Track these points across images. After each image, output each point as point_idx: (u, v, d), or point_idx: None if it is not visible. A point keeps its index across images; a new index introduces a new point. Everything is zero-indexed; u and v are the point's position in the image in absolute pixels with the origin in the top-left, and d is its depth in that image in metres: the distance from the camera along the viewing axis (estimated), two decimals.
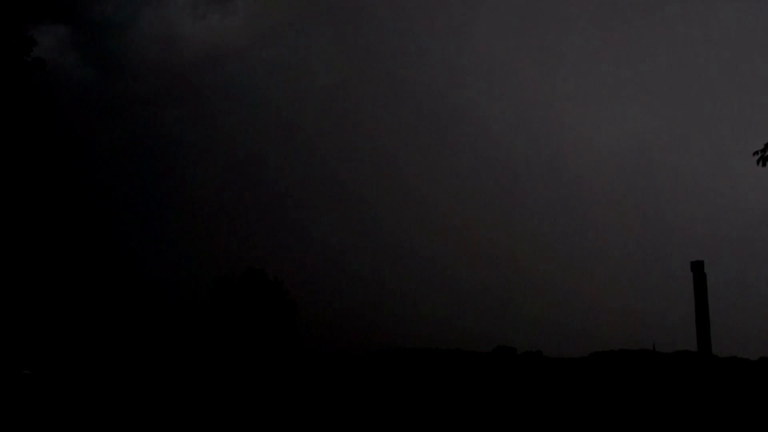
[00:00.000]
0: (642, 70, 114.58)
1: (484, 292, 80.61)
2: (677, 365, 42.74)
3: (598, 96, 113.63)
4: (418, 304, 77.12)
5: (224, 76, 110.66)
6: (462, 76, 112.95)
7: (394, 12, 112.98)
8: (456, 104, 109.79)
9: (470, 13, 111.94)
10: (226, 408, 29.40)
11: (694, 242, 78.39)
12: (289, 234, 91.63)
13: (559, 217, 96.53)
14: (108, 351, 48.57)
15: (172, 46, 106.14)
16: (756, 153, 12.13)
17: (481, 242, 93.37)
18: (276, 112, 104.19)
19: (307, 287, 64.73)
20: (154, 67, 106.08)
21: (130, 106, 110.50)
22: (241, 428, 24.18)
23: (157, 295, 66.01)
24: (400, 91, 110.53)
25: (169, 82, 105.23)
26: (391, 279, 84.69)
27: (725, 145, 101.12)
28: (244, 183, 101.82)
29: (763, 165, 12.03)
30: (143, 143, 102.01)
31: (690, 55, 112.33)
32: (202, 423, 24.90)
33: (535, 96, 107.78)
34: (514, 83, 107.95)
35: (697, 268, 17.87)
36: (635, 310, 72.83)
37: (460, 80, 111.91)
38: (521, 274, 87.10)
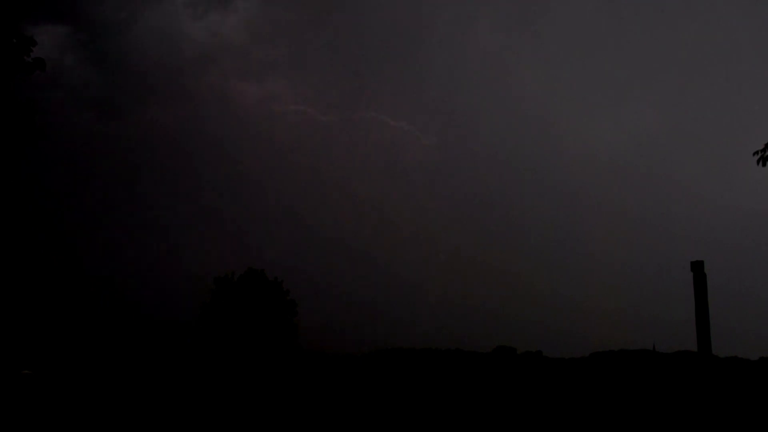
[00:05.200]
0: (640, 74, 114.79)
1: (484, 296, 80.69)
2: (677, 365, 42.74)
3: (596, 99, 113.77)
4: (418, 307, 77.19)
5: (224, 76, 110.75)
6: (459, 79, 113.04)
7: (392, 13, 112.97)
8: (453, 107, 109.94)
9: (469, 15, 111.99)
10: (227, 408, 29.41)
11: (694, 243, 78.45)
12: (290, 234, 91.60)
13: (559, 220, 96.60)
14: (108, 351, 48.58)
15: (172, 45, 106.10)
16: (756, 153, 12.11)
17: (480, 246, 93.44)
18: (275, 112, 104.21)
19: (307, 287, 64.72)
20: (154, 66, 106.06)
21: (130, 106, 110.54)
22: (241, 428, 24.18)
23: (157, 295, 66.05)
24: (398, 92, 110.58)
25: (169, 81, 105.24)
26: (393, 282, 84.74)
27: (724, 147, 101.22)
28: (245, 183, 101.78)
29: (763, 165, 12.01)
30: (143, 143, 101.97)
31: (688, 58, 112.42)
32: (202, 423, 24.90)
33: (532, 100, 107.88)
34: (511, 88, 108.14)
35: (697, 268, 17.83)
36: (635, 310, 72.94)
37: (457, 84, 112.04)
38: (521, 276, 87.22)
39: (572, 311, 76.33)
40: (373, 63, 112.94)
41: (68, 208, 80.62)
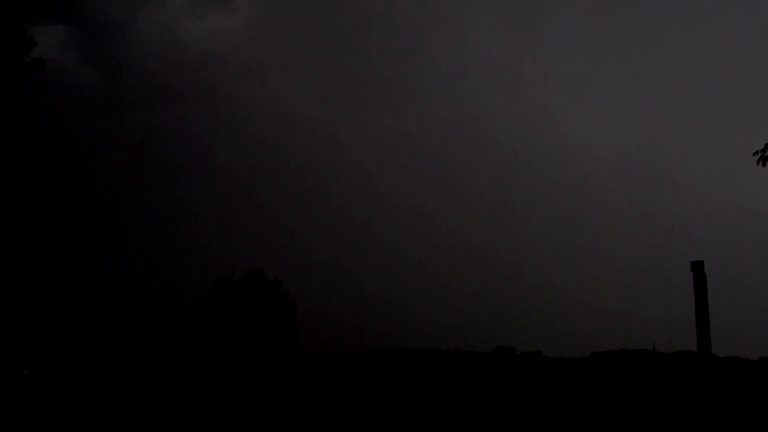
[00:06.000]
0: (641, 74, 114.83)
1: (484, 296, 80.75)
2: (677, 365, 42.73)
3: (597, 99, 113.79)
4: (418, 307, 77.18)
5: (224, 76, 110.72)
6: (460, 79, 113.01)
7: (393, 13, 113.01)
8: (453, 107, 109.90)
9: (470, 15, 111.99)
10: (227, 408, 29.40)
11: (694, 243, 78.47)
12: (289, 234, 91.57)
13: (559, 220, 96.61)
14: (108, 351, 48.56)
15: (172, 45, 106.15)
16: (756, 153, 12.11)
17: (480, 246, 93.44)
18: (275, 112, 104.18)
19: (308, 287, 64.71)
20: (154, 66, 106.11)
21: (130, 106, 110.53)
22: (241, 428, 24.18)
23: (158, 295, 66.05)
24: (398, 92, 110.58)
25: (170, 81, 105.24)
26: (393, 282, 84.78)
27: (724, 146, 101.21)
28: (245, 183, 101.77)
29: (763, 165, 12.00)
30: (143, 143, 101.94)
31: (689, 57, 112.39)
32: (202, 423, 24.90)
33: (533, 99, 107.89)
34: (513, 87, 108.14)
35: (697, 268, 17.83)
36: (635, 310, 72.96)
37: (459, 83, 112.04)
38: (521, 277, 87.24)
39: (572, 311, 76.36)
40: (373, 63, 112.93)
41: (68, 208, 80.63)
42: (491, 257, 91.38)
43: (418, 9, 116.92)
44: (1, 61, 12.09)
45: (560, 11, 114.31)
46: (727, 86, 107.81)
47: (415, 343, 58.94)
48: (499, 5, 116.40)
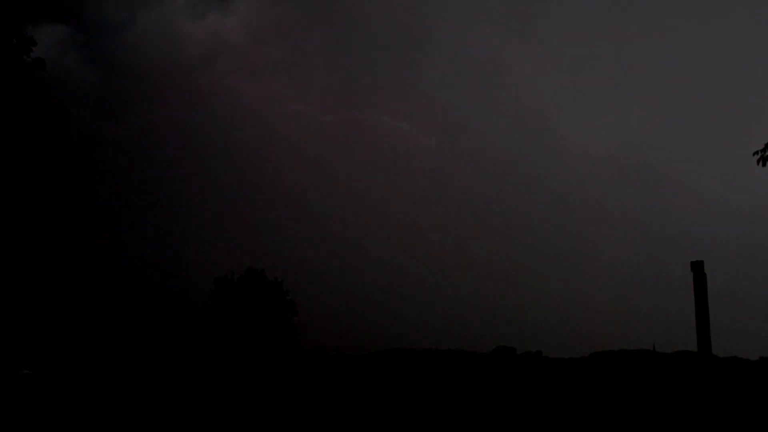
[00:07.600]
0: (641, 73, 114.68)
1: (484, 297, 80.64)
2: (677, 365, 42.70)
3: (593, 99, 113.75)
4: (419, 308, 77.11)
5: (224, 76, 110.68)
6: (460, 79, 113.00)
7: (392, 13, 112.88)
8: (454, 107, 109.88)
9: (468, 14, 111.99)
10: (227, 408, 29.40)
11: (694, 243, 78.35)
12: (289, 234, 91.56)
13: (560, 219, 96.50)
14: (108, 351, 48.57)
15: (172, 45, 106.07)
16: (756, 153, 12.14)
17: (480, 248, 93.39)
18: (275, 112, 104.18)
19: (307, 287, 64.67)
20: (154, 66, 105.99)
21: (130, 106, 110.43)
22: (241, 428, 24.19)
23: (157, 295, 66.09)
24: (398, 92, 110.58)
25: (169, 81, 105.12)
26: (392, 280, 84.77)
27: (724, 146, 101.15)
28: (244, 183, 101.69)
29: (763, 165, 12.04)
30: (142, 143, 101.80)
31: (687, 56, 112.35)
32: (202, 423, 24.91)
33: (533, 99, 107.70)
34: (511, 87, 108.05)
35: (697, 268, 17.86)
36: (635, 310, 72.93)
37: (458, 83, 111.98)
38: (521, 275, 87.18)
39: (572, 311, 76.28)
40: (373, 63, 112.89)
41: (68, 208, 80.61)
42: (491, 257, 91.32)
43: (417, 8, 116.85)
44: (1, 61, 12.09)
45: (560, 10, 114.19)
46: (726, 86, 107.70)
47: (415, 343, 58.88)
48: (497, 6, 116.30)
